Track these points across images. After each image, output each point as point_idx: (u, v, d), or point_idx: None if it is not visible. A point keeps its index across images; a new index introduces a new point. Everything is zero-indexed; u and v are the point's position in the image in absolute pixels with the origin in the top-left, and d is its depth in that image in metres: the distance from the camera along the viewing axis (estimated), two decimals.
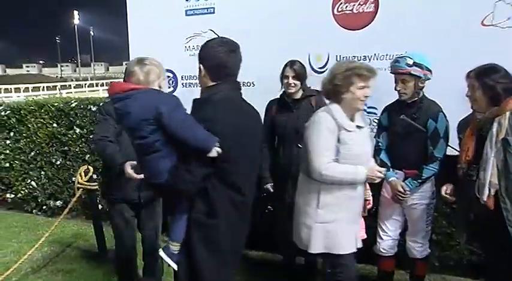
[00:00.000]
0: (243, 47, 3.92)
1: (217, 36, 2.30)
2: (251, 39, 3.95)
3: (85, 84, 40.81)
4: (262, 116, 3.63)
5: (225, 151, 2.00)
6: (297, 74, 3.44)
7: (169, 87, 4.41)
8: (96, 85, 39.61)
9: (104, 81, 40.35)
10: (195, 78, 4.25)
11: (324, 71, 3.75)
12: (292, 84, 3.45)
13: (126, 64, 3.03)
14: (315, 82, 3.58)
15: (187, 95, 2.56)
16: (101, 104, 4.77)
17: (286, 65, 3.49)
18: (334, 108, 2.65)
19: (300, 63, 3.50)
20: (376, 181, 2.76)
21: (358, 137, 2.66)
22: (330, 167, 2.57)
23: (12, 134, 5.91)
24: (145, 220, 3.34)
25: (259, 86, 3.99)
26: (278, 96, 3.61)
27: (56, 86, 36.38)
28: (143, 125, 2.00)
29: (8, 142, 5.94)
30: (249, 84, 4.02)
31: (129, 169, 2.81)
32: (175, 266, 2.19)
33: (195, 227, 2.13)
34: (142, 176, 2.41)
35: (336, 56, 3.72)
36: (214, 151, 1.97)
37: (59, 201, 5.64)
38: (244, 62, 3.90)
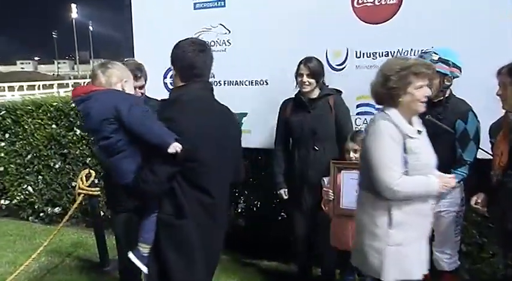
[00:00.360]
0: (256, 42, 3.97)
1: (190, 37, 2.43)
2: (264, 33, 3.99)
3: (84, 82, 41.08)
4: (276, 116, 3.68)
5: (189, 150, 2.11)
6: (311, 72, 3.43)
7: None
8: None
9: None
10: None
11: (343, 68, 3.76)
12: (307, 83, 3.44)
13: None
14: (332, 80, 3.60)
15: None
16: None
17: (301, 62, 3.48)
18: (393, 113, 2.47)
19: (317, 60, 3.49)
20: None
21: (422, 144, 2.51)
22: (401, 182, 2.39)
23: (7, 135, 5.96)
24: None
25: (273, 85, 3.99)
26: (293, 96, 3.60)
27: (52, 85, 36.81)
28: (104, 125, 2.16)
29: (2, 144, 5.99)
30: (262, 82, 4.02)
31: None
32: (145, 269, 2.29)
33: (162, 228, 2.24)
34: None
35: (356, 52, 3.71)
36: (174, 148, 2.07)
37: (57, 207, 5.69)
38: (257, 58, 3.97)
